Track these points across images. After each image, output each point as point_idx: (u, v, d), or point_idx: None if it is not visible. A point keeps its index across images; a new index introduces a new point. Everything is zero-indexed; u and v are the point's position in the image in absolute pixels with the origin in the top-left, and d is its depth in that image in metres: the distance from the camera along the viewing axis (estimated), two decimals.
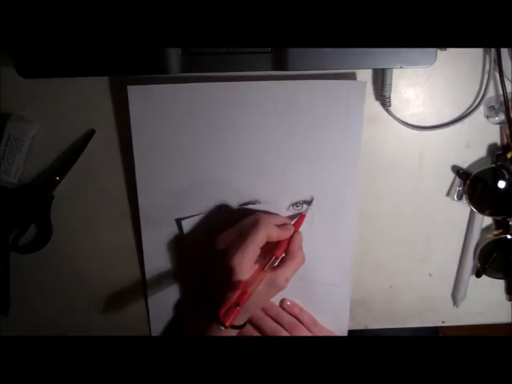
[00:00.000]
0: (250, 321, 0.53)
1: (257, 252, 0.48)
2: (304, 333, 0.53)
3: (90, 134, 0.52)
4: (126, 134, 0.51)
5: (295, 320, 0.55)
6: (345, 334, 0.58)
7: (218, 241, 0.49)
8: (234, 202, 0.53)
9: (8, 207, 0.53)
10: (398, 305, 0.59)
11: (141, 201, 0.53)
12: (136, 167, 0.52)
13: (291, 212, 0.53)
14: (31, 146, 0.51)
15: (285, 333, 0.53)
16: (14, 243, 0.53)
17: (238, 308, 0.45)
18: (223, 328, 0.44)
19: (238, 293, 0.45)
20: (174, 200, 0.53)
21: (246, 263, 0.46)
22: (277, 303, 0.56)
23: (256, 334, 0.54)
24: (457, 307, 0.59)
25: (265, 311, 0.55)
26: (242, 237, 0.47)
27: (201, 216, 0.53)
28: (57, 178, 0.52)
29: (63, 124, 0.52)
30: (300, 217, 0.53)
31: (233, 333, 0.49)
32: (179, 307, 0.56)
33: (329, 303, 0.56)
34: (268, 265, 0.48)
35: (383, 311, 0.59)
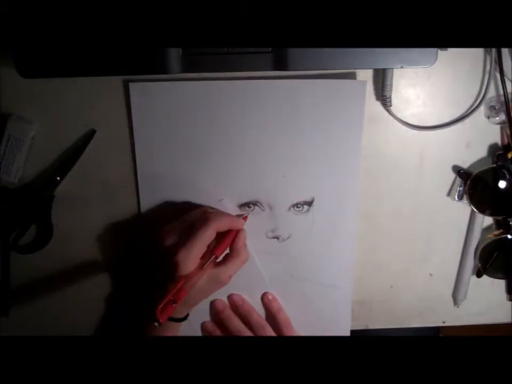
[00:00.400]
0: (215, 318, 0.54)
1: (204, 248, 0.47)
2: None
3: (91, 134, 0.52)
4: (126, 134, 0.51)
5: (264, 322, 0.55)
6: (348, 334, 0.58)
7: (163, 234, 0.49)
8: (234, 203, 0.53)
9: (8, 207, 0.53)
10: (398, 305, 0.59)
11: (142, 201, 0.53)
12: (137, 166, 0.52)
13: (292, 214, 0.53)
14: (31, 146, 0.51)
15: (248, 334, 0.53)
16: (14, 243, 0.53)
17: (174, 305, 0.45)
18: (156, 324, 0.44)
19: (175, 290, 0.45)
20: (174, 200, 0.53)
21: (191, 259, 0.46)
22: (259, 296, 0.56)
23: (217, 332, 0.55)
24: (457, 307, 0.59)
25: (236, 307, 0.55)
26: (191, 231, 0.47)
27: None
28: (58, 178, 0.52)
29: (63, 124, 0.52)
30: (244, 216, 0.53)
31: (176, 326, 0.49)
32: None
33: (331, 304, 0.56)
34: (207, 263, 0.47)
35: (384, 311, 0.59)
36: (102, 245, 0.55)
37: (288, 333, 0.55)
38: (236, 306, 0.55)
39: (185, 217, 0.49)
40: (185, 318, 0.51)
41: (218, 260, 0.49)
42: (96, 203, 0.54)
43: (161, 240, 0.48)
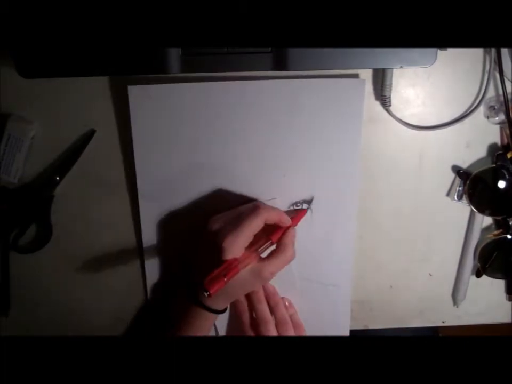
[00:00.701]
0: (247, 299, 0.53)
1: (251, 237, 0.47)
2: (291, 333, 0.53)
3: (91, 134, 0.52)
4: (126, 134, 0.51)
5: (288, 318, 0.54)
6: (347, 334, 0.58)
7: (212, 222, 0.49)
8: (234, 202, 0.53)
9: (8, 207, 0.53)
10: (398, 305, 0.59)
11: (142, 201, 0.53)
12: (136, 167, 0.52)
13: (291, 212, 0.53)
14: (31, 146, 0.51)
15: (272, 326, 0.52)
16: (14, 243, 0.54)
17: (225, 279, 0.44)
18: (207, 294, 0.43)
19: (225, 264, 0.45)
20: (174, 200, 0.53)
21: (238, 245, 0.46)
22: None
23: (244, 306, 0.54)
24: (457, 307, 0.59)
25: (266, 297, 0.54)
26: (239, 219, 0.47)
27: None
28: (57, 178, 0.52)
29: (63, 124, 0.52)
30: (300, 212, 0.52)
31: (212, 318, 0.49)
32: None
33: (330, 304, 0.56)
34: (262, 247, 0.47)
35: (383, 311, 0.59)
36: (101, 245, 0.55)
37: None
38: (267, 293, 0.55)
39: (236, 209, 0.50)
40: (224, 310, 0.51)
41: (263, 255, 0.49)
42: (96, 203, 0.54)
43: (210, 227, 0.48)
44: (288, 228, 0.50)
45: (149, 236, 0.54)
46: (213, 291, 0.44)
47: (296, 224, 0.52)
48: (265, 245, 0.48)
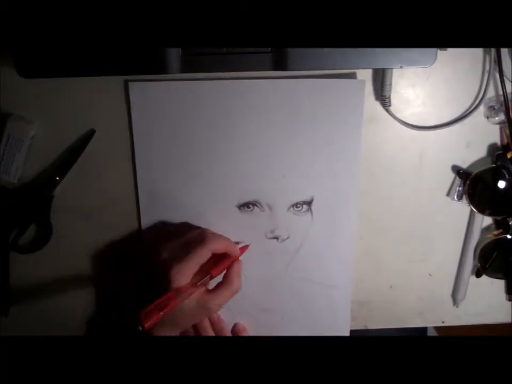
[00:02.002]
0: (193, 328, 0.53)
1: (197, 267, 0.47)
2: None
3: (91, 134, 0.52)
4: (126, 134, 0.51)
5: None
6: (347, 334, 0.58)
7: (161, 251, 0.49)
8: (233, 203, 0.53)
9: (8, 207, 0.53)
10: (398, 305, 0.59)
11: (142, 200, 0.53)
12: (136, 166, 0.52)
13: (291, 213, 0.53)
14: (31, 146, 0.51)
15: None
16: (14, 243, 0.53)
17: (161, 312, 0.43)
18: (140, 328, 0.43)
19: (164, 298, 0.44)
20: (174, 200, 0.53)
21: (183, 276, 0.46)
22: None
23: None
24: (457, 307, 0.59)
25: (211, 324, 0.54)
26: (186, 249, 0.47)
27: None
28: (57, 178, 0.52)
29: (63, 124, 0.52)
30: (243, 246, 0.53)
31: None
32: None
33: (330, 304, 0.56)
34: (201, 281, 0.47)
35: (383, 311, 0.59)
36: (101, 245, 0.55)
37: None
38: (211, 322, 0.54)
39: (184, 237, 0.50)
40: None
41: (210, 288, 0.49)
42: (96, 203, 0.54)
43: (158, 255, 0.49)
44: (233, 261, 0.50)
45: (149, 235, 0.54)
46: (148, 325, 0.43)
47: (239, 256, 0.52)
48: (204, 278, 0.48)
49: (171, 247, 0.49)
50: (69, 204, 0.54)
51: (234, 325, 0.56)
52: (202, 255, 0.47)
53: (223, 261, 0.50)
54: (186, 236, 0.50)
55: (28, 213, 0.53)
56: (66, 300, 0.56)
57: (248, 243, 0.54)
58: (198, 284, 0.47)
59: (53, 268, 0.55)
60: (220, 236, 0.51)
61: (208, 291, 0.49)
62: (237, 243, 0.53)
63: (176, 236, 0.50)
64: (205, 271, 0.48)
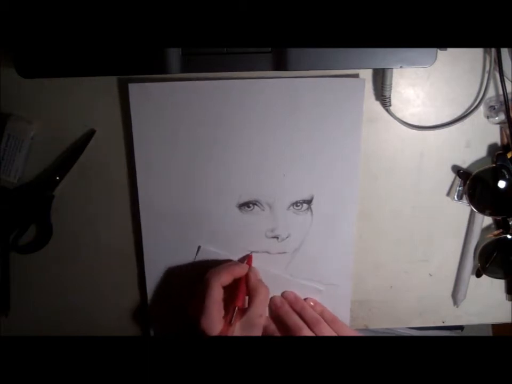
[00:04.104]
0: (273, 313, 0.54)
1: (221, 306, 0.48)
2: (327, 330, 0.52)
3: (91, 134, 0.52)
4: (126, 134, 0.51)
5: (319, 317, 0.54)
6: (349, 328, 0.58)
7: (188, 308, 0.51)
8: (233, 202, 0.53)
9: (8, 207, 0.53)
10: (398, 305, 0.59)
11: (142, 200, 0.53)
12: (136, 166, 0.52)
13: (291, 212, 0.53)
14: (31, 146, 0.51)
15: (306, 330, 0.51)
16: (14, 243, 0.53)
17: None
18: None
19: None
20: (174, 200, 0.53)
21: (213, 323, 0.47)
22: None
23: (273, 327, 0.54)
24: (457, 307, 0.59)
25: (291, 304, 0.55)
26: (202, 300, 0.48)
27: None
28: (57, 178, 0.52)
29: (63, 124, 0.52)
30: (248, 257, 0.54)
31: None
32: (178, 307, 0.56)
33: (330, 304, 0.56)
34: (233, 317, 0.48)
35: (383, 311, 0.59)
36: (101, 245, 0.55)
37: (338, 327, 0.54)
38: (289, 302, 0.55)
39: (196, 290, 0.51)
40: None
41: (243, 307, 0.50)
42: (96, 203, 0.54)
43: (188, 312, 0.51)
44: (246, 275, 0.51)
45: (149, 235, 0.54)
46: None
47: (250, 265, 0.53)
48: (234, 313, 0.49)
49: (193, 304, 0.50)
50: (69, 204, 0.54)
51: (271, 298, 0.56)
52: (214, 296, 0.48)
53: (239, 284, 0.51)
54: (198, 288, 0.51)
55: (28, 213, 0.53)
56: (66, 300, 0.56)
57: (248, 252, 0.54)
58: (232, 321, 0.48)
59: (53, 268, 0.55)
60: (221, 269, 0.51)
61: (243, 310, 0.49)
62: (244, 258, 0.54)
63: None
64: (231, 304, 0.49)
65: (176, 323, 0.56)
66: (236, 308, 0.49)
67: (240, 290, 0.51)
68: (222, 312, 0.49)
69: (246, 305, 0.50)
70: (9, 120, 0.50)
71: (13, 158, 0.51)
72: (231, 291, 0.50)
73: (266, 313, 0.52)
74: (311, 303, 0.56)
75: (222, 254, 0.54)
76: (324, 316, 0.55)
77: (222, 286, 0.49)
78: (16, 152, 0.51)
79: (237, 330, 0.48)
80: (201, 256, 0.54)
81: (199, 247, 0.54)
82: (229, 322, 0.48)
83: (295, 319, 0.53)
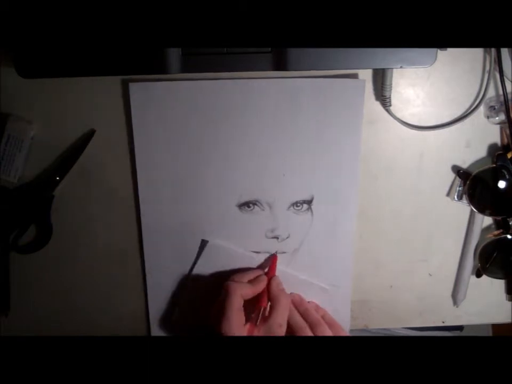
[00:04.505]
0: None
1: (241, 313, 0.49)
2: (327, 332, 0.52)
3: (91, 134, 0.52)
4: (126, 134, 0.51)
5: (321, 319, 0.54)
6: (347, 334, 0.58)
7: (210, 316, 0.51)
8: (233, 202, 0.53)
9: (8, 207, 0.53)
10: (398, 305, 0.59)
11: (142, 200, 0.53)
12: (137, 166, 0.52)
13: (291, 213, 0.53)
14: (31, 146, 0.51)
15: (308, 330, 0.52)
16: (14, 243, 0.53)
17: None
18: None
19: None
20: (174, 199, 0.53)
21: (234, 329, 0.47)
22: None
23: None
24: (457, 307, 0.59)
25: (295, 305, 0.55)
26: (221, 308, 0.49)
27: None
28: (57, 178, 0.52)
29: (63, 124, 0.52)
30: (272, 260, 0.54)
31: None
32: (178, 310, 0.56)
33: (330, 304, 0.56)
34: (259, 318, 0.49)
35: (383, 311, 0.59)
36: (101, 245, 0.55)
37: (336, 331, 0.55)
38: (294, 303, 0.55)
39: (217, 300, 0.51)
40: None
41: (266, 314, 0.50)
42: (96, 203, 0.54)
43: (209, 320, 0.51)
44: (268, 282, 0.52)
45: (149, 235, 0.54)
46: None
47: (274, 273, 0.53)
48: (261, 312, 0.50)
49: (213, 311, 0.51)
50: (69, 204, 0.54)
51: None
52: (235, 305, 0.48)
53: (261, 292, 0.51)
54: (218, 298, 0.51)
55: (28, 213, 0.53)
56: (66, 300, 0.56)
57: (274, 253, 0.55)
58: (258, 322, 0.49)
59: (53, 268, 0.55)
60: (241, 276, 0.52)
61: (264, 319, 0.50)
62: (264, 264, 0.54)
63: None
64: (253, 306, 0.50)
65: (176, 323, 0.56)
66: (262, 308, 0.49)
67: (263, 292, 0.51)
68: (243, 319, 0.49)
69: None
70: (9, 120, 0.50)
71: (13, 158, 0.51)
72: (251, 299, 0.51)
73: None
74: (297, 299, 0.56)
75: (230, 249, 0.54)
76: (325, 319, 0.55)
77: (243, 298, 0.50)
78: (16, 152, 0.51)
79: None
80: (207, 252, 0.54)
81: (205, 242, 0.54)
82: (255, 322, 0.49)
83: (298, 319, 0.53)
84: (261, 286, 0.52)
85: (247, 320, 0.49)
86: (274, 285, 0.52)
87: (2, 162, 0.51)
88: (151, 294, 0.56)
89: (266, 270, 0.54)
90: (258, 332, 0.49)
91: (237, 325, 0.48)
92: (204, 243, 0.54)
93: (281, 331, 0.49)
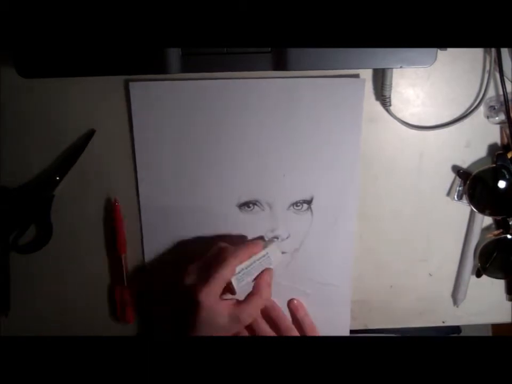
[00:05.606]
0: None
1: (223, 285, 0.47)
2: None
3: (91, 134, 0.52)
4: (127, 134, 0.51)
5: (293, 327, 0.55)
6: (347, 334, 0.58)
7: (185, 275, 0.49)
8: (233, 202, 0.53)
9: (8, 207, 0.53)
10: (398, 305, 0.59)
11: (142, 200, 0.53)
12: (137, 166, 0.52)
13: (291, 212, 0.53)
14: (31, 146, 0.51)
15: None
16: (14, 243, 0.53)
17: None
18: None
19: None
20: (174, 200, 0.53)
21: (212, 297, 0.46)
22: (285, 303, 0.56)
23: (245, 333, 0.53)
24: (457, 307, 0.59)
25: (267, 311, 0.54)
26: (209, 270, 0.47)
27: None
28: (57, 178, 0.52)
29: (63, 123, 0.52)
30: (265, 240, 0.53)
31: None
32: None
33: (330, 303, 0.56)
34: (226, 293, 0.48)
35: (383, 311, 0.59)
36: (101, 245, 0.55)
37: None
38: (266, 310, 0.54)
39: (203, 258, 0.50)
40: None
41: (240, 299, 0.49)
42: (96, 203, 0.54)
43: (182, 281, 0.49)
44: (262, 271, 0.50)
45: (149, 235, 0.54)
46: None
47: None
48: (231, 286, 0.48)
49: (193, 270, 0.49)
50: (69, 204, 0.54)
51: (290, 301, 0.56)
52: (226, 274, 0.47)
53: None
54: (205, 256, 0.50)
55: (28, 213, 0.53)
56: (66, 300, 0.56)
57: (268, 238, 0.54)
58: (221, 295, 0.48)
59: (53, 268, 0.55)
60: (239, 248, 0.50)
61: (239, 303, 0.49)
62: (258, 238, 0.53)
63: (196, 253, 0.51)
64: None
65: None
66: (231, 280, 0.48)
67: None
68: (221, 291, 0.47)
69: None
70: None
71: None
72: None
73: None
74: (295, 302, 0.56)
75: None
76: (304, 322, 0.55)
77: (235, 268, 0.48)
78: None
79: (223, 316, 0.47)
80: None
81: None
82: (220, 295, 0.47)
83: (263, 327, 0.53)
84: (256, 248, 0.50)
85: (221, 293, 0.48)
86: (265, 276, 0.50)
87: None
88: (151, 294, 0.56)
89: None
90: (227, 311, 0.47)
91: (216, 294, 0.47)
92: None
93: (248, 321, 0.48)
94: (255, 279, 0.50)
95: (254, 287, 0.50)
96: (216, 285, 0.47)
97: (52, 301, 0.56)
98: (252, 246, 0.51)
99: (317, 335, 0.55)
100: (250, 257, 0.50)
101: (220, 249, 0.50)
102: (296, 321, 0.56)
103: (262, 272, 0.50)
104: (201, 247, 0.52)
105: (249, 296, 0.49)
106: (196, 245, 0.54)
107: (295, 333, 0.54)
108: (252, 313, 0.48)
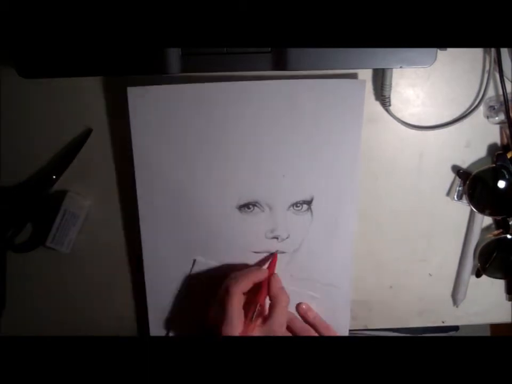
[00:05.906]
0: None
1: (242, 313, 0.48)
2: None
3: (87, 133, 0.52)
4: (125, 134, 0.51)
5: (308, 326, 0.55)
6: (347, 334, 0.58)
7: (208, 317, 0.51)
8: (233, 203, 0.53)
9: (4, 205, 0.53)
10: (398, 305, 0.59)
11: (141, 202, 0.53)
12: (135, 167, 0.51)
13: (291, 213, 0.53)
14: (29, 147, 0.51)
15: None
16: (10, 242, 0.53)
17: None
18: None
19: None
20: (172, 200, 0.53)
21: (235, 331, 0.47)
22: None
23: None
24: (457, 307, 0.59)
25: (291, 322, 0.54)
26: (222, 308, 0.48)
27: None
28: (54, 177, 0.52)
29: (62, 123, 0.52)
30: (272, 258, 0.54)
31: None
32: (178, 310, 0.56)
33: (330, 303, 0.56)
34: (254, 315, 0.48)
35: (383, 311, 0.59)
36: (101, 245, 0.55)
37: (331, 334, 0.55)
38: None
39: (216, 298, 0.51)
40: None
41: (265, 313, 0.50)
42: (94, 203, 0.54)
43: (207, 318, 0.51)
44: (268, 280, 0.51)
45: (148, 236, 0.54)
46: None
47: (273, 271, 0.53)
48: (256, 310, 0.49)
49: (213, 313, 0.50)
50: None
51: (298, 305, 0.56)
52: (235, 305, 0.48)
53: (261, 289, 0.51)
54: (217, 297, 0.51)
55: (25, 212, 0.53)
56: (65, 300, 0.56)
57: (274, 252, 0.54)
58: (253, 318, 0.48)
59: (52, 268, 0.55)
60: (241, 276, 0.50)
61: (264, 318, 0.49)
62: (264, 260, 0.54)
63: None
64: (253, 302, 0.50)
65: (177, 322, 0.56)
66: (258, 305, 0.49)
67: (262, 292, 0.51)
68: (243, 318, 0.48)
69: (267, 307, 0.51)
70: (67, 197, 0.52)
71: (67, 232, 0.53)
72: (251, 296, 0.51)
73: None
74: (303, 306, 0.56)
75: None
76: (315, 323, 0.55)
77: (243, 293, 0.49)
78: (71, 226, 0.53)
79: (257, 334, 0.48)
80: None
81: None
82: (249, 320, 0.48)
83: (301, 325, 0.54)
84: (259, 275, 0.51)
85: (246, 317, 0.49)
86: (274, 283, 0.51)
87: (57, 234, 0.52)
88: (150, 293, 0.55)
89: (266, 267, 0.54)
90: (259, 331, 0.48)
91: (238, 325, 0.47)
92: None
93: (282, 331, 0.49)
94: (268, 290, 0.51)
95: (270, 298, 0.50)
96: (232, 317, 0.47)
97: (49, 300, 0.56)
98: (256, 274, 0.51)
99: (332, 332, 0.55)
100: (254, 283, 0.51)
101: (225, 287, 0.50)
102: (309, 323, 0.56)
103: (268, 282, 0.51)
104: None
105: (271, 307, 0.50)
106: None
107: (312, 331, 0.55)
108: (281, 321, 0.49)
